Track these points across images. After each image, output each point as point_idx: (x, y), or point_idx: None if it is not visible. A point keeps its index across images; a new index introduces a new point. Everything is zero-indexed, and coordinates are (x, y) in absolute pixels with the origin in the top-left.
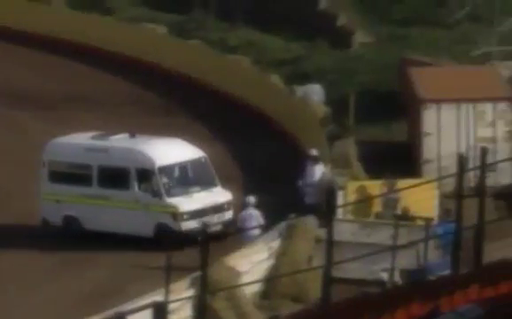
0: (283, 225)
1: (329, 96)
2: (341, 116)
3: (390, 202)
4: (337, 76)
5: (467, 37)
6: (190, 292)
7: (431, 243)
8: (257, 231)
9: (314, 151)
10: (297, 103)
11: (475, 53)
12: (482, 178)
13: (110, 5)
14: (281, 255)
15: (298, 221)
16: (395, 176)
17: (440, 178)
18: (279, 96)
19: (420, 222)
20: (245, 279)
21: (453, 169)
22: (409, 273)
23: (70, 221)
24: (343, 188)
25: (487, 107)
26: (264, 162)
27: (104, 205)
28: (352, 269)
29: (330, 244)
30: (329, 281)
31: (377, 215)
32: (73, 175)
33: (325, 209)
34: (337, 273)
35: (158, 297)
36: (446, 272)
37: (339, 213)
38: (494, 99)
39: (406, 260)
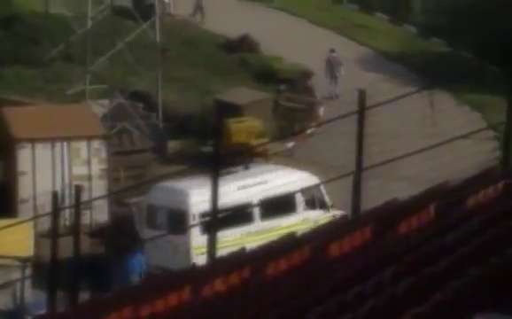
0: None
1: None
2: None
3: None
4: None
5: (61, 76)
6: None
7: (28, 282)
8: None
9: None
10: None
11: (69, 92)
12: (77, 216)
13: None
14: None
15: None
16: None
17: (35, 217)
18: None
19: (16, 262)
20: None
21: (50, 208)
22: (6, 314)
23: None
24: None
25: (82, 145)
26: None
27: (267, 237)
28: None
29: None
30: None
31: None
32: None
33: None
34: None
35: None
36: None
37: None
38: (89, 137)
39: (2, 301)
